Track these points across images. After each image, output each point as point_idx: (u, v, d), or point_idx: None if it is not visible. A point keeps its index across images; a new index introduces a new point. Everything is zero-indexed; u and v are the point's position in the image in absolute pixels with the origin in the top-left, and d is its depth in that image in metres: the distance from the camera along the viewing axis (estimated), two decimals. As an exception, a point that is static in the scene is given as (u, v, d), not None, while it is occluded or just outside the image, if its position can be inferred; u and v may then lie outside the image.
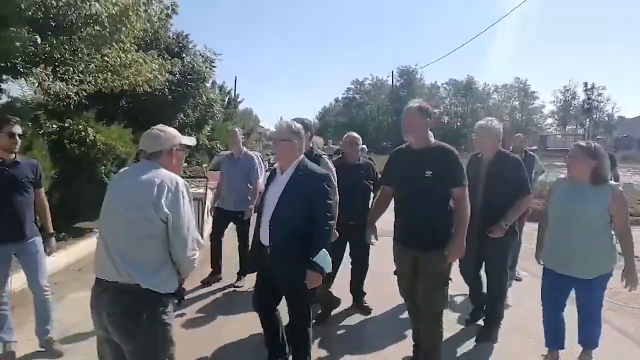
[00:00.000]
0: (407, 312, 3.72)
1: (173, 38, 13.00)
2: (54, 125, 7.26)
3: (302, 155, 3.14)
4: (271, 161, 15.84)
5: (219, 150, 14.69)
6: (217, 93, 16.92)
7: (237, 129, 5.80)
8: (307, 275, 2.90)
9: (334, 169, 4.17)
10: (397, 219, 3.38)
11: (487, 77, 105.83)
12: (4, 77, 8.02)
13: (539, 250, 3.64)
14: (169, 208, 2.13)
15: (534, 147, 30.23)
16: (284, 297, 3.16)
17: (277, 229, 3.00)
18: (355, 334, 4.26)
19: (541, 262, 3.58)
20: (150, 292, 2.11)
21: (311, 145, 4.11)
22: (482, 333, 4.09)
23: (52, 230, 3.85)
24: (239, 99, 25.33)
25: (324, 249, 2.90)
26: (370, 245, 4.01)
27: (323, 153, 4.33)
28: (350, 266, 4.70)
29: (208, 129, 15.23)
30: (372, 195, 4.65)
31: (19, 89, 8.56)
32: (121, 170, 2.46)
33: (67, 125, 7.41)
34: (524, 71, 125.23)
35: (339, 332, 4.30)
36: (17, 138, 3.51)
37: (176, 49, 12.69)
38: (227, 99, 20.34)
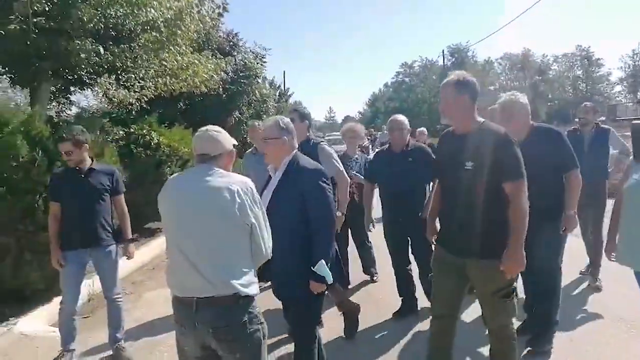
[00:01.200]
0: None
1: (224, 37, 13.19)
2: (121, 132, 7.55)
3: (294, 151, 2.77)
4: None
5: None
6: (269, 88, 17.04)
7: (256, 123, 5.27)
8: (310, 284, 2.60)
9: (334, 154, 3.93)
10: (439, 218, 2.87)
11: (545, 49, 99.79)
12: (72, 89, 8.49)
13: (611, 244, 3.00)
14: (251, 212, 2.08)
15: (602, 118, 28.01)
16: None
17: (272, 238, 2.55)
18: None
19: (613, 259, 2.97)
20: (246, 297, 2.07)
21: (308, 134, 3.86)
22: (535, 343, 3.41)
23: (130, 236, 3.91)
24: (288, 93, 25.49)
25: (322, 260, 2.56)
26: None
27: (322, 140, 4.03)
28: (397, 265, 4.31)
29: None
30: (428, 185, 4.23)
31: (84, 99, 9.01)
32: (174, 177, 2.25)
33: (132, 130, 7.68)
34: (586, 39, 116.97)
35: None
36: (68, 155, 3.58)
37: (227, 48, 12.87)
38: (277, 93, 20.48)
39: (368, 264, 5.31)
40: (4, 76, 7.32)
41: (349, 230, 4.99)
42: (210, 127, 2.26)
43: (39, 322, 4.44)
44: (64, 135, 3.65)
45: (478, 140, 2.48)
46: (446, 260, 2.71)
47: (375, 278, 5.29)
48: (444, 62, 46.21)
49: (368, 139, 30.65)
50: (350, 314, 3.96)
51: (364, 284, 5.28)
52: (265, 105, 13.93)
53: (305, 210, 2.60)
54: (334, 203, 2.79)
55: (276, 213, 2.51)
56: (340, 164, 3.98)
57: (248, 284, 2.08)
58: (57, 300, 4.83)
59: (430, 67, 57.07)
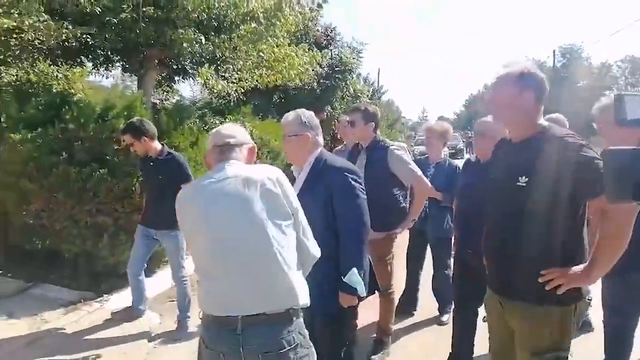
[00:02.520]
0: None
1: (321, 31, 13.16)
2: (217, 122, 7.72)
3: (320, 149, 2.46)
4: (415, 152, 15.11)
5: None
6: (363, 84, 16.75)
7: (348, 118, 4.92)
8: (339, 297, 2.29)
9: (407, 157, 3.46)
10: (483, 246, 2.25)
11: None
12: (176, 78, 8.88)
13: None
14: (289, 204, 1.79)
15: None
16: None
17: None
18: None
19: None
20: (295, 311, 1.75)
21: (375, 136, 3.46)
22: None
23: None
24: (382, 90, 25.00)
25: (355, 268, 2.23)
26: None
27: (392, 144, 3.56)
28: None
29: None
30: None
31: (189, 89, 9.39)
32: (194, 185, 1.96)
33: (227, 120, 7.83)
34: None
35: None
36: (131, 146, 3.91)
37: (324, 42, 12.82)
38: (371, 90, 20.11)
39: None
40: (118, 63, 7.82)
41: None
42: (226, 125, 2.06)
43: (129, 301, 4.59)
44: (122, 127, 4.01)
45: (538, 149, 1.87)
46: (490, 299, 2.17)
47: None
48: (554, 62, 42.53)
49: (463, 141, 29.01)
50: (382, 333, 3.63)
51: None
52: (358, 101, 13.66)
53: (334, 214, 2.31)
54: (366, 206, 2.37)
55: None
56: (417, 167, 3.51)
57: (301, 294, 1.76)
58: (148, 281, 4.99)
59: (538, 67, 52.84)
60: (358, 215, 2.32)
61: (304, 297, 1.77)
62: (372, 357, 3.45)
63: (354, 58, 13.43)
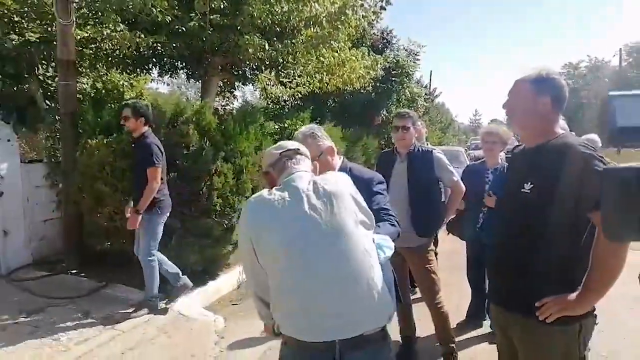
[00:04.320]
0: None
1: (378, 35, 13.02)
2: (276, 126, 7.77)
3: (343, 157, 2.38)
4: (472, 156, 14.61)
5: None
6: (419, 87, 16.42)
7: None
8: None
9: (451, 169, 3.39)
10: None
11: None
12: (236, 84, 9.04)
13: None
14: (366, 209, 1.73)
15: None
16: None
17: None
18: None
19: None
20: (386, 329, 1.65)
21: (416, 136, 3.46)
22: None
23: (137, 208, 4.09)
24: (435, 93, 24.46)
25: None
26: None
27: (433, 148, 3.52)
28: None
29: None
30: None
31: (251, 94, 9.54)
32: (273, 198, 1.68)
33: (286, 125, 7.87)
34: None
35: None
36: (125, 120, 4.19)
37: (380, 46, 12.67)
38: (424, 93, 19.72)
39: None
40: (182, 71, 8.05)
41: None
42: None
43: (195, 303, 4.66)
44: (126, 102, 4.37)
45: (547, 156, 1.78)
46: (496, 316, 2.07)
47: None
48: (620, 62, 40.02)
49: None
50: (408, 341, 3.49)
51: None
52: (414, 104, 13.40)
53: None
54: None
55: None
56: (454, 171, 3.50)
57: (392, 309, 1.65)
58: (212, 283, 5.09)
59: (599, 67, 50.08)
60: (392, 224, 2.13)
61: (393, 314, 1.68)
62: None
63: (410, 61, 13.19)
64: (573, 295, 1.68)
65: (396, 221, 2.12)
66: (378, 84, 11.42)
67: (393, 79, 12.20)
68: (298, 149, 1.82)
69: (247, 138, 5.29)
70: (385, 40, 13.16)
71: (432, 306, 3.37)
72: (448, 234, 4.32)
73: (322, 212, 1.59)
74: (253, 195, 1.76)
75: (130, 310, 4.22)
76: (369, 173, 2.35)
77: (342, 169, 2.30)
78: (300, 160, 1.80)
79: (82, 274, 5.11)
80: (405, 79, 12.77)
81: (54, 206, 5.67)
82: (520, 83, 1.90)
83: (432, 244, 3.45)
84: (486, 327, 4.11)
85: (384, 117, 12.74)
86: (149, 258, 4.23)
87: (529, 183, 1.80)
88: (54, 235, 5.65)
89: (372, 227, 1.73)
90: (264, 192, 1.71)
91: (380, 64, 8.74)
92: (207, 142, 4.85)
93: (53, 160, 5.86)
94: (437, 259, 4.91)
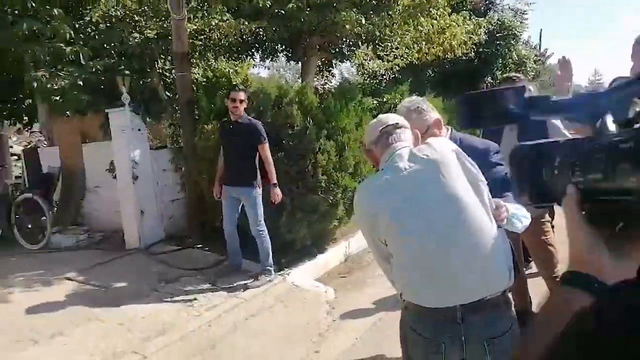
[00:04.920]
0: None
1: (481, -4, 12.19)
2: (375, 102, 7.73)
3: (451, 128, 2.23)
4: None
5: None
6: (528, 49, 15.09)
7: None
8: None
9: (568, 136, 2.83)
10: None
11: None
12: (334, 62, 9.12)
13: None
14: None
15: None
16: None
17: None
18: None
19: None
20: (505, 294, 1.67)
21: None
22: None
23: (274, 181, 4.48)
24: (546, 54, 22.24)
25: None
26: None
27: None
28: None
29: None
30: None
31: (347, 70, 9.55)
32: (368, 181, 1.89)
33: (384, 100, 7.79)
34: None
35: None
36: (238, 103, 4.46)
37: (483, 8, 11.82)
38: (534, 55, 18.05)
39: None
40: (281, 53, 8.33)
41: None
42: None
43: (307, 275, 4.92)
44: (237, 86, 4.77)
45: None
46: None
47: None
48: None
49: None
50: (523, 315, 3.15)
51: None
52: (523, 67, 12.35)
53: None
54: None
55: None
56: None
57: (511, 270, 1.65)
58: (321, 257, 5.32)
59: None
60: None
61: (512, 276, 1.68)
62: None
63: (518, 21, 12.14)
64: None
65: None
66: (481, 49, 10.71)
67: (498, 42, 11.35)
68: (397, 123, 1.82)
69: (348, 115, 5.35)
70: (487, 2, 12.24)
71: (551, 280, 3.19)
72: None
73: (428, 183, 1.64)
74: (362, 182, 1.88)
75: (250, 281, 4.58)
76: (484, 143, 2.21)
77: (452, 140, 2.21)
78: (401, 134, 1.79)
79: (206, 248, 5.65)
80: (511, 41, 11.80)
81: (179, 188, 6.30)
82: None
83: (547, 214, 3.24)
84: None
85: (489, 84, 11.98)
86: (260, 229, 4.53)
87: None
88: (180, 214, 6.28)
89: (483, 191, 1.69)
90: (371, 177, 1.83)
91: (484, 27, 8.17)
92: (310, 121, 5.01)
93: (175, 145, 6.48)
94: (553, 231, 4.62)
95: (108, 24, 6.53)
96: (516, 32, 11.95)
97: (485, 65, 11.73)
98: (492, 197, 1.82)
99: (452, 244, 1.59)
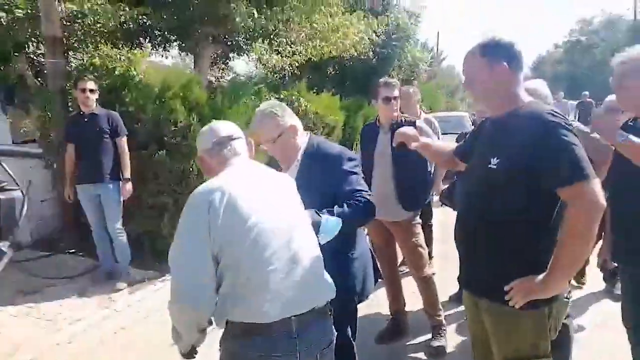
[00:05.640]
0: None
1: (378, -3, 12.57)
2: (273, 97, 7.62)
3: (309, 133, 2.21)
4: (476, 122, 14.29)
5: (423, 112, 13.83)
6: (421, 51, 15.93)
7: (411, 90, 4.52)
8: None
9: (434, 138, 3.32)
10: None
11: None
12: (231, 55, 8.84)
13: None
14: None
15: None
16: None
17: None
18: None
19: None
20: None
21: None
22: None
23: (127, 176, 4.29)
24: (442, 56, 23.81)
25: (336, 219, 1.85)
26: None
27: (417, 120, 3.42)
28: None
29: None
30: None
31: (244, 64, 9.30)
32: (229, 179, 1.60)
33: (282, 96, 7.72)
34: None
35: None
36: (89, 93, 4.20)
37: (380, 8, 12.22)
38: (430, 57, 19.18)
39: None
40: (174, 43, 7.86)
41: None
42: (270, 103, 1.91)
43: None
44: (85, 75, 4.40)
45: (512, 127, 1.66)
46: (465, 299, 2.00)
47: None
48: (635, 15, 38.39)
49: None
50: (397, 315, 3.41)
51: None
52: (417, 69, 13.02)
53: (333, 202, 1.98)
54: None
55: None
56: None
57: (332, 286, 1.71)
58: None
59: (615, 23, 48.23)
60: (357, 187, 2.04)
61: (333, 289, 1.71)
62: (431, 342, 3.28)
63: (412, 23, 12.73)
64: (540, 277, 1.57)
65: (366, 200, 2.01)
66: (378, 49, 11.08)
67: (394, 43, 11.82)
68: (231, 135, 1.74)
69: (237, 112, 5.17)
70: (384, 2, 12.69)
71: (420, 279, 3.32)
72: (442, 205, 4.24)
73: (276, 192, 1.66)
74: (199, 188, 1.61)
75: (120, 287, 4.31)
76: (338, 149, 2.19)
77: (309, 145, 2.17)
78: (236, 146, 1.73)
79: (81, 253, 5.14)
80: (406, 43, 12.37)
81: (50, 186, 5.67)
82: (471, 55, 1.77)
83: (418, 217, 3.36)
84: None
85: (386, 83, 12.43)
86: (119, 227, 4.37)
87: (495, 158, 1.66)
88: (52, 214, 5.66)
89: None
90: (207, 187, 1.58)
91: (377, 27, 8.41)
92: (195, 117, 4.75)
93: (46, 140, 5.82)
94: (432, 230, 4.84)
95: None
96: (409, 34, 12.55)
97: (383, 65, 12.16)
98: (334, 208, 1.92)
99: (292, 250, 1.57)
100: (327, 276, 1.70)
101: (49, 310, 3.88)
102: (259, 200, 1.56)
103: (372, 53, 10.77)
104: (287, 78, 11.05)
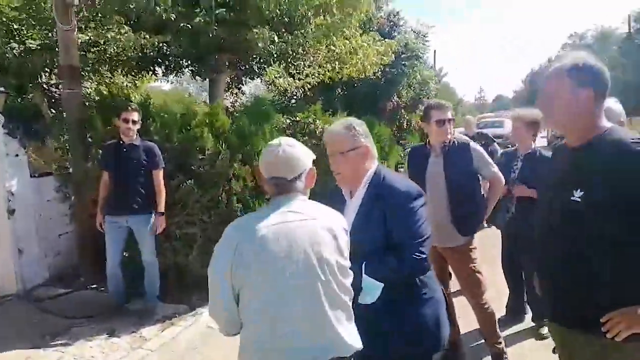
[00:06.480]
0: None
1: (384, 17, 12.60)
2: (287, 120, 7.51)
3: (377, 162, 2.10)
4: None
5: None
6: (430, 69, 15.97)
7: (470, 117, 4.59)
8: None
9: (490, 161, 3.15)
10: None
11: None
12: (243, 79, 8.77)
13: None
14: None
15: None
16: None
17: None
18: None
19: None
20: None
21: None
22: None
23: (162, 210, 4.19)
24: (442, 73, 23.98)
25: (373, 280, 1.84)
26: None
27: (468, 140, 3.23)
28: None
29: (422, 108, 14.17)
30: None
31: (255, 87, 9.22)
32: (248, 222, 1.63)
33: (297, 119, 7.60)
34: None
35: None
36: (131, 124, 4.12)
37: (387, 29, 12.25)
38: (434, 75, 19.27)
39: None
40: (187, 69, 7.78)
41: None
42: (283, 139, 1.70)
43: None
44: (130, 105, 4.31)
45: (595, 157, 1.58)
46: (554, 333, 1.90)
47: None
48: (629, 28, 38.92)
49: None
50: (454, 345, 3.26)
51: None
52: (426, 87, 12.99)
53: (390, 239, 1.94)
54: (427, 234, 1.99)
55: (361, 246, 1.88)
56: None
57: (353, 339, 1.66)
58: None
59: (607, 37, 49.01)
60: (415, 237, 1.93)
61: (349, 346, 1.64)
62: None
63: (420, 42, 12.77)
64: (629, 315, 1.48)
65: (418, 258, 1.90)
66: (387, 69, 11.06)
67: (403, 62, 11.82)
68: (285, 178, 1.66)
69: (263, 137, 5.03)
70: (392, 23, 12.75)
71: (478, 307, 3.15)
72: (487, 226, 4.10)
73: (300, 247, 1.57)
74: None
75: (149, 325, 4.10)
76: (405, 184, 2.03)
77: (377, 174, 2.05)
78: (289, 185, 1.67)
79: (102, 288, 4.93)
80: (415, 62, 12.38)
81: (68, 219, 5.48)
82: (555, 75, 1.66)
83: (472, 242, 3.19)
84: (528, 320, 3.93)
85: (395, 103, 12.40)
86: (154, 260, 4.32)
87: (579, 190, 1.58)
88: (69, 249, 5.47)
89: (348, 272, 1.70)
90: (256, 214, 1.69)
91: (395, 48, 8.39)
92: (223, 144, 4.61)
93: (63, 171, 5.66)
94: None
95: (-21, 32, 5.57)
96: (419, 54, 12.59)
97: (391, 86, 12.13)
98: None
99: (292, 317, 1.57)
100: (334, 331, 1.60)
101: (80, 354, 3.66)
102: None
103: (380, 73, 10.74)
104: (293, 100, 11.00)
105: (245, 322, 1.60)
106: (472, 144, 3.19)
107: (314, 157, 1.75)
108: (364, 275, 1.83)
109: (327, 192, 2.25)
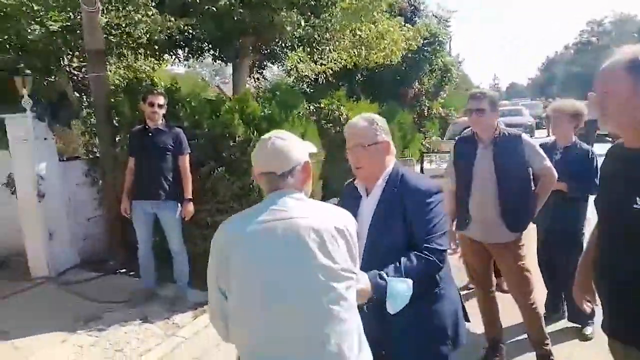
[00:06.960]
0: None
1: (406, 2, 12.33)
2: (312, 107, 7.41)
3: (394, 161, 2.03)
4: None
5: (453, 117, 13.58)
6: (452, 55, 15.68)
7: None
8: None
9: (542, 154, 2.99)
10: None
11: None
12: (265, 63, 8.66)
13: None
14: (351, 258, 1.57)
15: None
16: None
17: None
18: None
19: None
20: None
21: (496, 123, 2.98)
22: None
23: (189, 196, 4.11)
24: (459, 59, 23.55)
25: (406, 282, 1.71)
26: None
27: (519, 131, 3.09)
28: None
29: (444, 95, 14.17)
30: None
31: (271, 72, 9.06)
32: (238, 221, 1.54)
33: (322, 106, 7.50)
34: None
35: None
36: (157, 108, 4.03)
37: (409, 14, 12.00)
38: (455, 61, 18.92)
39: None
40: (208, 53, 7.68)
41: None
42: (274, 132, 1.59)
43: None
44: (156, 89, 4.29)
45: None
46: (611, 345, 1.75)
47: None
48: (650, 14, 38.00)
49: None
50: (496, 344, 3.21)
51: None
52: (448, 74, 12.75)
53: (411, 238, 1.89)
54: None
55: (378, 247, 1.88)
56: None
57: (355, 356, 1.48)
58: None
59: (625, 22, 47.86)
60: (436, 239, 1.88)
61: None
62: None
63: (442, 28, 12.49)
64: None
65: (435, 258, 1.85)
66: (409, 55, 10.84)
67: (425, 48, 11.57)
68: (274, 172, 1.54)
69: (293, 125, 4.96)
70: (413, 7, 12.48)
71: (525, 307, 3.05)
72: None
73: (289, 251, 1.44)
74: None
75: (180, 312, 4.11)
76: (423, 181, 2.01)
77: (394, 171, 2.00)
78: (281, 179, 1.54)
79: (131, 272, 4.94)
80: (438, 48, 12.13)
81: (97, 204, 5.49)
82: (611, 68, 1.53)
83: (522, 238, 3.08)
84: (566, 319, 3.82)
85: (417, 89, 12.20)
86: (182, 247, 4.30)
87: None
88: (98, 233, 5.48)
89: (352, 277, 1.53)
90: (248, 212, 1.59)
91: (423, 33, 8.19)
92: (254, 131, 4.55)
93: (91, 156, 5.64)
94: None
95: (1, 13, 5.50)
96: (442, 39, 12.34)
97: (413, 72, 11.92)
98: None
99: (280, 322, 1.45)
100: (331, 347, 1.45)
101: (115, 340, 3.67)
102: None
103: (401, 59, 10.54)
104: (309, 85, 10.85)
105: (232, 327, 1.51)
106: (524, 135, 3.06)
107: (314, 150, 1.64)
108: (388, 279, 1.71)
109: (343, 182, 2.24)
